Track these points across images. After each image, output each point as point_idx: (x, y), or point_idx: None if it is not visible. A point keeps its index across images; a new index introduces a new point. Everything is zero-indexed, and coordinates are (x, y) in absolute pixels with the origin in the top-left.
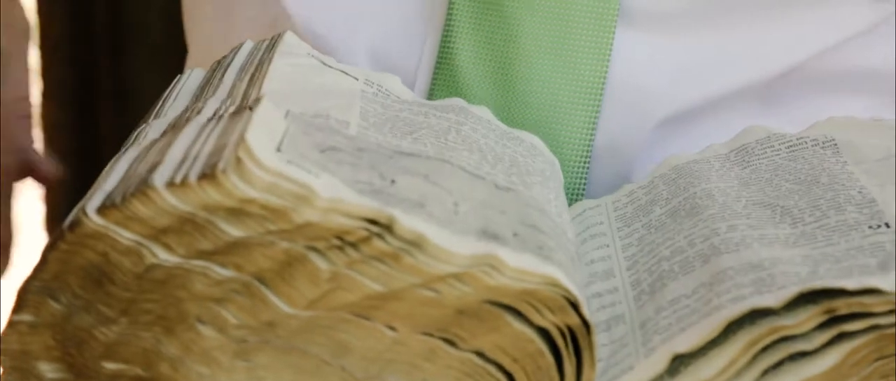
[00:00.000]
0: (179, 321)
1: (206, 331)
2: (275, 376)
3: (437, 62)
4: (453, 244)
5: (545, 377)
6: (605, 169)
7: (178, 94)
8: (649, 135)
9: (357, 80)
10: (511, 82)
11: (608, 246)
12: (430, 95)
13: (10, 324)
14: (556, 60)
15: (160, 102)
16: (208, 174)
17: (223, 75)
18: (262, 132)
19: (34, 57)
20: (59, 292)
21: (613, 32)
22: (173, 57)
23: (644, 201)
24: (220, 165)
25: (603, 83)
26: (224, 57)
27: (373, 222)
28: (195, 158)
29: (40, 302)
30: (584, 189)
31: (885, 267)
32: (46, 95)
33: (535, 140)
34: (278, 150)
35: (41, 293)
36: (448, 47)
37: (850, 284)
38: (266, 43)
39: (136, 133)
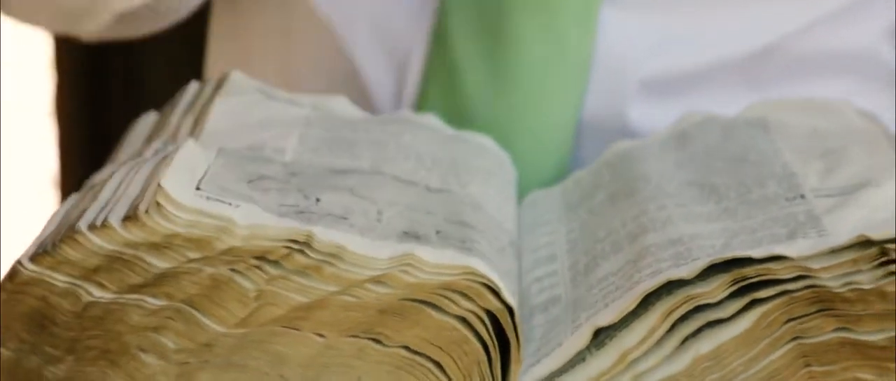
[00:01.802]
0: (122, 353)
1: (149, 359)
2: None
3: (432, 41)
4: (372, 249)
5: (473, 362)
6: (590, 140)
7: (130, 138)
8: (630, 105)
9: (303, 107)
10: (502, 59)
11: (554, 232)
12: (426, 72)
13: None
14: (545, 38)
15: (116, 149)
16: (131, 216)
17: (169, 117)
18: (181, 174)
19: (48, 49)
20: (7, 339)
21: (598, 10)
22: (185, 48)
23: (589, 187)
24: (142, 207)
25: (589, 59)
26: (173, 98)
27: (292, 241)
28: (118, 201)
29: None
30: (567, 164)
31: (793, 235)
32: (60, 86)
33: (484, 140)
34: (198, 188)
35: None
36: (442, 25)
37: (758, 252)
38: (212, 84)
39: (84, 185)
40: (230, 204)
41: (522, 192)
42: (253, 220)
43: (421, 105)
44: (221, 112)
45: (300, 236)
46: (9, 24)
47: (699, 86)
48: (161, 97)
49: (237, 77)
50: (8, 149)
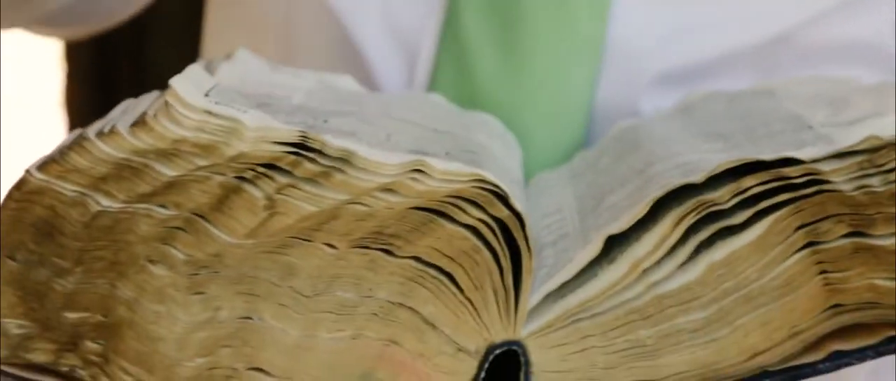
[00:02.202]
0: (131, 264)
1: (158, 270)
2: (229, 304)
3: (444, 22)
4: (382, 156)
5: (484, 272)
6: (603, 129)
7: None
8: (643, 95)
9: (308, 80)
10: (514, 41)
11: (560, 194)
12: (436, 59)
13: None
14: (557, 19)
15: None
16: (139, 121)
17: None
18: (190, 83)
19: (58, 43)
20: (14, 250)
21: None
22: (194, 38)
23: (593, 158)
24: (150, 112)
25: (601, 45)
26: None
27: (303, 146)
28: (126, 113)
29: None
30: (582, 147)
31: (802, 146)
32: (69, 77)
33: (487, 117)
34: (206, 95)
35: None
36: (453, 12)
37: (768, 156)
38: (219, 59)
39: None
40: (238, 109)
41: (532, 176)
42: (262, 123)
43: (432, 90)
44: (227, 73)
45: (310, 138)
46: None
47: (711, 76)
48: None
49: (243, 52)
50: (16, 143)
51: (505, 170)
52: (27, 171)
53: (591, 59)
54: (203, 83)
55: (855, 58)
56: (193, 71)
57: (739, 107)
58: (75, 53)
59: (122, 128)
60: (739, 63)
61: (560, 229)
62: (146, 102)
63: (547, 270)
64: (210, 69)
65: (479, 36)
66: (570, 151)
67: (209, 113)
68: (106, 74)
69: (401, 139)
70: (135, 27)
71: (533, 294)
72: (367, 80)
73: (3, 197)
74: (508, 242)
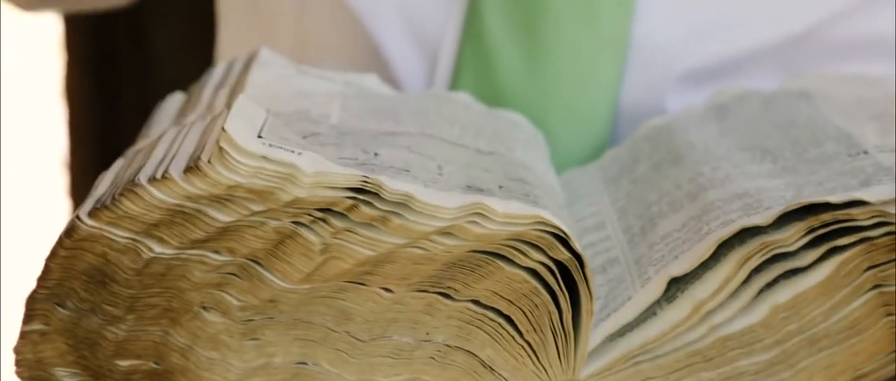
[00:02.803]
0: (184, 311)
1: (211, 317)
2: (284, 350)
3: (465, 20)
4: (440, 199)
5: (544, 314)
6: (629, 127)
7: (159, 117)
8: (669, 93)
9: (335, 82)
10: (537, 39)
11: (597, 203)
12: (459, 58)
13: (23, 335)
14: (581, 16)
15: (144, 127)
16: (192, 167)
17: (200, 94)
18: (242, 122)
19: (58, 29)
20: (65, 297)
21: None
22: (195, 28)
23: (628, 161)
24: (204, 157)
25: (627, 39)
26: (200, 79)
27: (359, 190)
28: (175, 155)
29: (48, 310)
30: (609, 144)
31: (868, 183)
32: (69, 65)
33: (517, 116)
34: (259, 136)
35: (48, 301)
36: (475, 8)
37: (835, 198)
38: (242, 61)
39: (124, 153)
40: (293, 151)
41: (561, 171)
42: (318, 167)
43: (454, 88)
44: (257, 83)
45: (368, 183)
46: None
47: (737, 72)
48: (171, 78)
49: (267, 53)
50: (17, 130)
51: (554, 194)
52: (78, 218)
53: (615, 57)
54: (255, 117)
55: (878, 53)
56: (243, 107)
57: (778, 113)
58: (76, 41)
59: (175, 173)
60: (764, 60)
61: (607, 251)
62: (193, 137)
63: (601, 302)
64: (232, 73)
65: (501, 34)
66: (596, 149)
67: (265, 158)
68: (106, 62)
69: (452, 171)
70: (136, 14)
71: (592, 335)
72: (387, 77)
73: (7, 187)
74: (566, 280)
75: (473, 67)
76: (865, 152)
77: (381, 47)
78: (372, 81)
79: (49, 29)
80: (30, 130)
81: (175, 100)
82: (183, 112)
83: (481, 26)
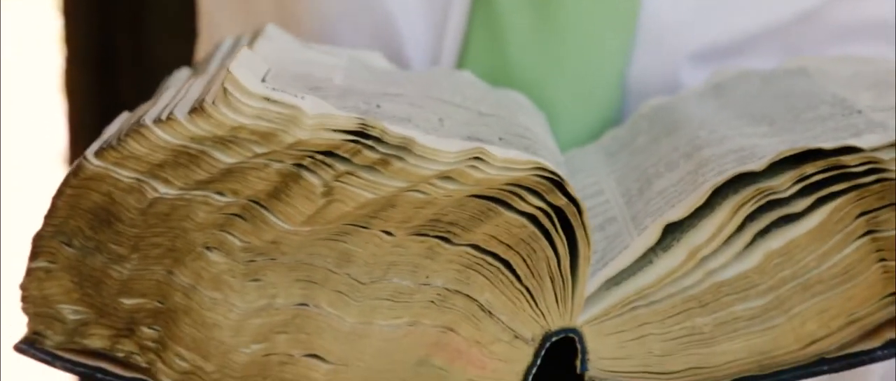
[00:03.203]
0: (187, 251)
1: (215, 257)
2: (285, 291)
3: None
4: (441, 144)
5: (541, 260)
6: (637, 106)
7: (166, 89)
8: (677, 72)
9: (340, 57)
10: (548, 13)
11: (596, 174)
12: (468, 31)
13: (29, 272)
14: None
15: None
16: (197, 109)
17: (207, 66)
18: (246, 69)
19: (57, 24)
20: (71, 235)
21: None
22: (193, 20)
23: (627, 137)
24: (208, 99)
25: (636, 15)
26: (206, 54)
27: (360, 133)
28: (181, 100)
29: (54, 248)
30: (619, 119)
31: (859, 134)
32: (69, 60)
33: (519, 96)
34: (263, 80)
35: (54, 239)
36: None
37: (828, 144)
38: (248, 36)
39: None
40: (296, 95)
41: (567, 147)
42: (320, 110)
43: (462, 62)
44: (264, 52)
45: (369, 126)
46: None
47: (741, 53)
48: (169, 71)
49: (273, 29)
50: (17, 124)
51: (553, 152)
52: (84, 157)
53: (625, 29)
54: (258, 68)
55: (879, 35)
56: (247, 56)
57: (776, 87)
58: (75, 35)
59: (180, 114)
60: (768, 40)
61: (605, 212)
62: (198, 86)
63: (598, 255)
64: (239, 45)
65: (511, 9)
66: (602, 126)
67: (268, 99)
68: (105, 56)
69: (453, 124)
70: (134, 8)
71: (590, 281)
72: (395, 47)
73: (8, 182)
74: (564, 228)
75: (483, 39)
76: (859, 112)
77: (391, 15)
78: (375, 58)
79: (48, 23)
80: (30, 124)
81: (181, 74)
82: (190, 80)
83: (491, 1)
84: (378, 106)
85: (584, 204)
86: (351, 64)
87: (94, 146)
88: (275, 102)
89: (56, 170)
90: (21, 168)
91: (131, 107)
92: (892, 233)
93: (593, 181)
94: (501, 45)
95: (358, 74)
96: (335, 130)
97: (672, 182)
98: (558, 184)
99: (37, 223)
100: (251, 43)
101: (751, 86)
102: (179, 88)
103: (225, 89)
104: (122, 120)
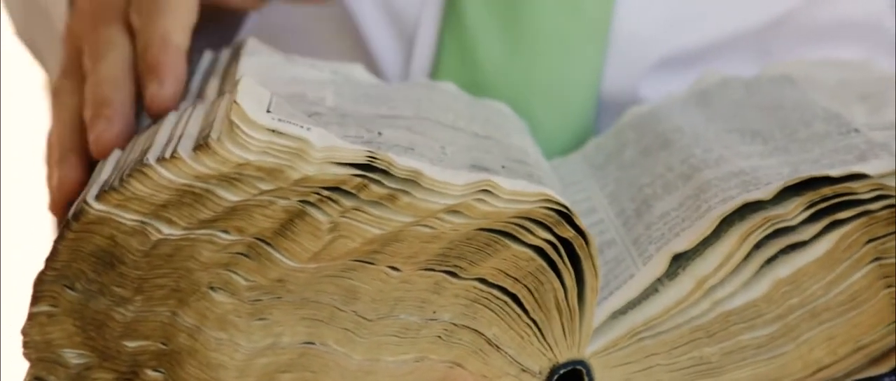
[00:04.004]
0: (192, 291)
1: (220, 297)
2: (291, 329)
3: (445, 11)
4: (448, 176)
5: (549, 293)
6: (608, 113)
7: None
8: (647, 80)
9: (323, 71)
10: (519, 27)
11: (586, 190)
12: (439, 47)
13: (31, 316)
14: (563, 4)
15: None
16: (202, 145)
17: (188, 84)
18: (251, 98)
19: None
20: (74, 279)
21: None
22: None
23: (613, 148)
24: (213, 135)
25: (608, 27)
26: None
27: (367, 167)
28: (181, 136)
29: (56, 292)
30: (592, 132)
31: (864, 158)
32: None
33: (502, 105)
34: (268, 111)
35: (56, 283)
36: None
37: (835, 172)
38: (229, 50)
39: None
40: (302, 126)
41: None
42: (328, 142)
43: (435, 76)
44: (250, 69)
45: (378, 159)
46: None
47: (713, 59)
48: None
49: (253, 41)
50: (8, 123)
51: (552, 177)
52: (85, 201)
53: (597, 45)
54: (262, 95)
55: (852, 37)
56: (250, 85)
57: (763, 96)
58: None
59: (184, 152)
60: (741, 45)
61: (601, 234)
62: (198, 117)
63: (602, 281)
64: (220, 61)
65: (482, 23)
66: (578, 136)
67: (275, 132)
68: None
69: (455, 152)
70: None
71: (597, 312)
72: (365, 60)
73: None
74: (571, 258)
75: (455, 56)
76: (856, 130)
77: (361, 29)
78: (358, 71)
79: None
80: (22, 123)
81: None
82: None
83: (462, 15)
84: (379, 134)
85: (592, 235)
86: (336, 78)
87: (94, 189)
88: (282, 134)
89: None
90: (11, 166)
91: None
92: None
93: (584, 197)
94: (473, 60)
95: (347, 93)
96: (342, 164)
97: (673, 206)
98: (565, 215)
99: (33, 221)
100: (234, 58)
101: (735, 94)
102: (178, 119)
103: (231, 122)
104: (116, 157)
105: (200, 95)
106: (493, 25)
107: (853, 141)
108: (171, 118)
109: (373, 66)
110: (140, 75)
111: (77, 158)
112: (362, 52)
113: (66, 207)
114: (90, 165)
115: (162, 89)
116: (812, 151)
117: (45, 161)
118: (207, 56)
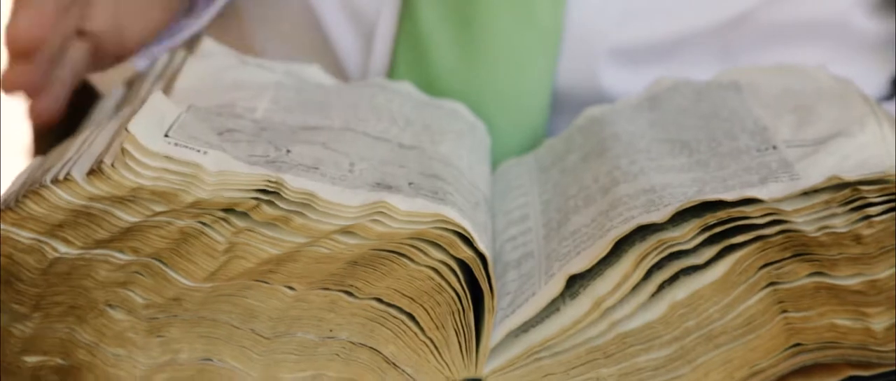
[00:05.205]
0: (89, 309)
1: (117, 314)
2: (189, 346)
3: (401, 13)
4: (344, 198)
5: (446, 312)
6: (562, 109)
7: (97, 111)
8: (605, 73)
9: (275, 72)
10: (472, 31)
11: (527, 194)
12: (395, 45)
13: None
14: (515, 12)
15: (84, 121)
16: (94, 170)
17: (140, 87)
18: (149, 121)
19: None
20: None
21: None
22: None
23: (561, 151)
24: (107, 160)
25: (561, 29)
26: (143, 70)
27: (262, 190)
28: (82, 156)
29: None
30: (543, 134)
31: (765, 181)
32: None
33: (456, 105)
34: (166, 135)
35: None
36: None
37: (730, 195)
38: (183, 52)
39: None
40: (198, 150)
41: (498, 161)
42: (222, 166)
43: (391, 74)
44: (193, 74)
45: (271, 182)
46: None
47: (671, 55)
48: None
49: (209, 43)
50: (5, 125)
51: (470, 191)
52: None
53: (550, 47)
54: (165, 118)
55: (816, 36)
56: (154, 106)
57: (707, 102)
58: None
59: (78, 175)
60: (699, 42)
61: (524, 245)
62: (105, 137)
63: (510, 297)
64: (173, 64)
65: (436, 29)
66: (533, 137)
67: (168, 158)
68: None
69: (365, 168)
70: None
71: (495, 331)
72: (332, 58)
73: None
74: (470, 280)
75: (409, 59)
76: (774, 147)
77: (323, 24)
78: (314, 72)
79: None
80: (25, 125)
81: (115, 95)
82: (121, 105)
83: (416, 16)
84: (288, 151)
85: (489, 255)
86: (284, 81)
87: None
88: (175, 160)
89: (20, 164)
90: (11, 166)
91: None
92: (795, 284)
93: (522, 203)
94: (427, 62)
95: (285, 99)
96: (237, 189)
97: (585, 222)
98: (463, 237)
99: None
100: (183, 61)
101: (683, 99)
102: (88, 136)
103: (123, 149)
104: (30, 169)
105: (144, 99)
106: (446, 29)
107: (767, 159)
108: (84, 134)
109: (335, 63)
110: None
111: None
112: (326, 48)
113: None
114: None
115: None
116: (728, 167)
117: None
118: (164, 58)
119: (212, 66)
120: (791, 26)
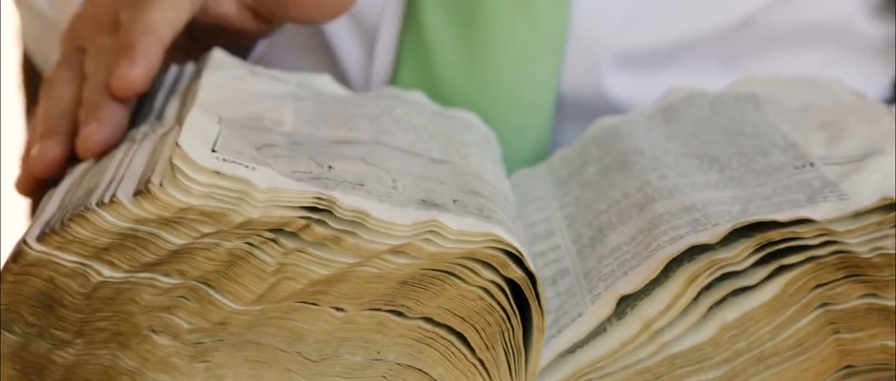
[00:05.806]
0: (133, 334)
1: (161, 340)
2: (234, 372)
3: (404, 19)
4: (394, 216)
5: (496, 332)
6: (567, 114)
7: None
8: (609, 78)
9: (288, 84)
10: (476, 34)
11: (547, 208)
12: (399, 51)
13: None
14: (519, 11)
15: None
16: (142, 190)
17: (153, 102)
18: (195, 137)
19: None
20: (12, 322)
21: None
22: None
23: (577, 163)
24: (155, 180)
25: (564, 32)
26: (151, 86)
27: (312, 208)
28: (124, 175)
29: None
30: (548, 140)
31: (813, 200)
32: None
33: (469, 116)
34: (213, 150)
35: None
36: (414, 3)
37: (782, 216)
38: (192, 65)
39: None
40: (247, 166)
41: (505, 168)
42: (271, 183)
43: (395, 81)
44: (211, 86)
45: (322, 200)
46: None
47: (674, 60)
48: None
49: (218, 54)
50: (5, 126)
51: (507, 206)
52: (25, 242)
53: (554, 52)
54: (208, 133)
55: (819, 39)
56: (197, 120)
57: (725, 116)
58: None
59: (124, 197)
60: (703, 47)
61: (556, 262)
62: (143, 155)
63: (553, 316)
64: (183, 78)
65: (440, 30)
66: (539, 142)
67: (218, 174)
68: None
69: (407, 184)
70: None
71: (544, 352)
72: (334, 64)
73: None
74: (518, 299)
75: (414, 64)
76: (811, 164)
77: (328, 39)
78: (325, 82)
79: (6, 20)
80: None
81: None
82: (132, 119)
83: (420, 22)
84: (330, 167)
85: (539, 276)
86: (299, 92)
87: (35, 230)
88: (225, 176)
89: (14, 167)
90: (11, 166)
91: None
92: (847, 305)
93: (543, 217)
94: (431, 67)
95: (307, 112)
96: (287, 207)
97: (625, 239)
98: (514, 256)
99: None
100: (197, 74)
101: (700, 111)
102: (125, 154)
103: (173, 165)
104: (64, 191)
105: (160, 114)
106: (450, 32)
107: (806, 176)
108: (121, 150)
109: (337, 68)
110: (113, 59)
111: (62, 138)
112: (328, 53)
113: (35, 183)
114: (71, 156)
115: (132, 68)
116: (766, 184)
117: (26, 139)
118: (172, 72)
119: (226, 77)
120: (794, 30)
